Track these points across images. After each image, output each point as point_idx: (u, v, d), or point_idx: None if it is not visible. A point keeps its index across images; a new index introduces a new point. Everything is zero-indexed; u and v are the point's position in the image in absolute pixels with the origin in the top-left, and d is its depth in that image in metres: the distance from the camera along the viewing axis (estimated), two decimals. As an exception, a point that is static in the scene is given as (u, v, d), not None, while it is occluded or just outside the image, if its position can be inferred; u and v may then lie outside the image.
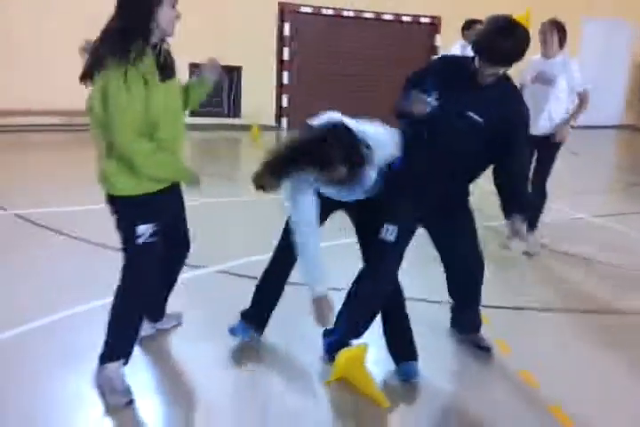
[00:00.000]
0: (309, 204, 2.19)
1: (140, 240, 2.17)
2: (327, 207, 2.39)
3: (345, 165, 2.03)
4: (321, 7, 9.45)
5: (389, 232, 2.37)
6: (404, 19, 10.10)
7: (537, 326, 3.18)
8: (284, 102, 9.72)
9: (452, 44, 5.63)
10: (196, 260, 3.06)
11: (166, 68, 2.09)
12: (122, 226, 2.21)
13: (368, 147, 2.10)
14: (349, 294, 2.52)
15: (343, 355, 2.39)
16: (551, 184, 4.27)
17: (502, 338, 2.86)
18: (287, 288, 2.68)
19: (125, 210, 2.19)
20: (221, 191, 5.37)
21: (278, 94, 9.72)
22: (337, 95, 9.89)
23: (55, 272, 3.42)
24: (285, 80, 9.61)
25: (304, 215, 2.20)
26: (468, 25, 5.35)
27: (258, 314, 2.69)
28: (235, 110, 9.48)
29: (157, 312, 2.68)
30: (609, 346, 2.94)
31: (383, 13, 9.91)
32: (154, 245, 2.21)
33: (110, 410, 2.19)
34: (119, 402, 2.20)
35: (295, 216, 2.22)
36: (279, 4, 9.25)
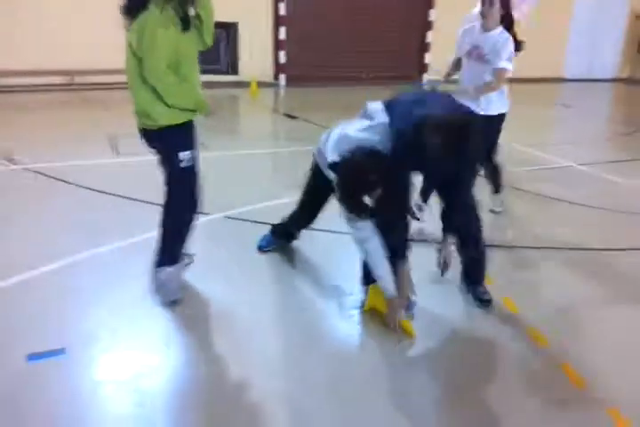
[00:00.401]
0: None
1: (183, 164, 2.57)
2: None
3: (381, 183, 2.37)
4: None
5: None
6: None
7: (524, 263, 3.40)
8: (282, 59, 9.68)
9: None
10: (204, 208, 3.25)
11: (186, 21, 2.40)
12: (165, 154, 2.60)
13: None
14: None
15: (372, 288, 2.69)
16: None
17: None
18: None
19: (167, 139, 2.55)
20: (223, 145, 5.57)
21: (275, 50, 9.68)
22: (334, 51, 9.88)
23: (68, 221, 3.63)
24: (282, 36, 9.54)
25: (361, 234, 2.54)
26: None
27: (288, 230, 3.21)
28: (232, 67, 9.44)
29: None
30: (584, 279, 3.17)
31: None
32: (193, 167, 2.62)
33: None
34: (166, 299, 2.69)
35: (356, 235, 2.57)
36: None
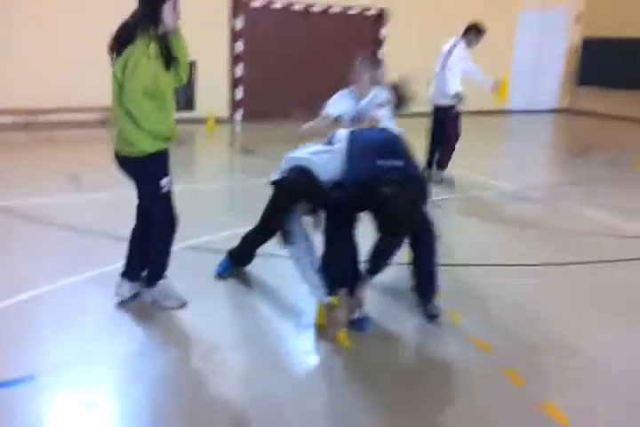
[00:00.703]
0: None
1: (164, 190, 2.89)
2: None
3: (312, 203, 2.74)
4: (271, 1, 9.70)
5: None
6: (351, 11, 10.43)
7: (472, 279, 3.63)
8: (239, 95, 9.95)
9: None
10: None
11: (168, 58, 2.77)
12: (147, 181, 2.88)
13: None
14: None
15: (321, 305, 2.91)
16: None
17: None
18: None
19: (149, 166, 2.83)
20: (181, 179, 5.67)
21: (232, 87, 9.95)
22: (289, 86, 10.20)
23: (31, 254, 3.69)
24: (239, 73, 9.84)
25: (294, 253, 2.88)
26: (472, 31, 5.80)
27: (243, 253, 3.44)
28: (189, 104, 9.64)
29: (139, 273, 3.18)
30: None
31: (331, 6, 10.23)
32: (171, 192, 2.97)
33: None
34: (176, 304, 3.07)
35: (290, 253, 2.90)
36: (230, -2, 9.47)
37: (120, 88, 2.69)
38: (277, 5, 9.76)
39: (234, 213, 5.00)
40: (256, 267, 3.57)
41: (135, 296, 3.12)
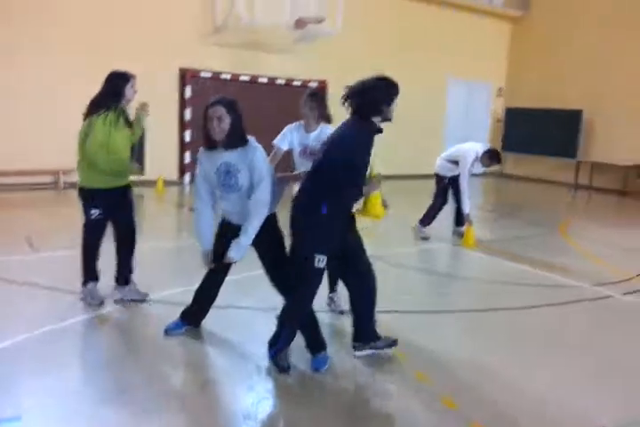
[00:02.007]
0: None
1: (92, 217, 3.95)
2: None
3: None
4: (220, 72, 10.29)
5: (321, 261, 3.08)
6: (295, 83, 11.17)
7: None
8: (187, 159, 10.29)
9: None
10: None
11: (126, 122, 3.91)
12: (83, 207, 3.96)
13: None
14: (285, 313, 3.24)
15: None
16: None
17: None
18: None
19: (88, 197, 3.94)
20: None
21: (181, 152, 10.30)
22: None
23: None
24: (187, 138, 10.23)
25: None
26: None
27: (195, 312, 3.63)
28: (137, 167, 9.85)
29: (123, 278, 4.20)
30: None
31: (276, 78, 10.93)
32: (99, 221, 3.97)
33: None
34: (94, 303, 4.01)
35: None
36: (180, 69, 9.98)
37: (83, 142, 3.76)
38: (225, 76, 10.36)
39: (181, 270, 5.17)
40: (208, 319, 3.75)
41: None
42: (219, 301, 3.67)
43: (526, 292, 5.02)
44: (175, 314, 3.70)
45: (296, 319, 3.24)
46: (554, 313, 4.49)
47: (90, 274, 4.08)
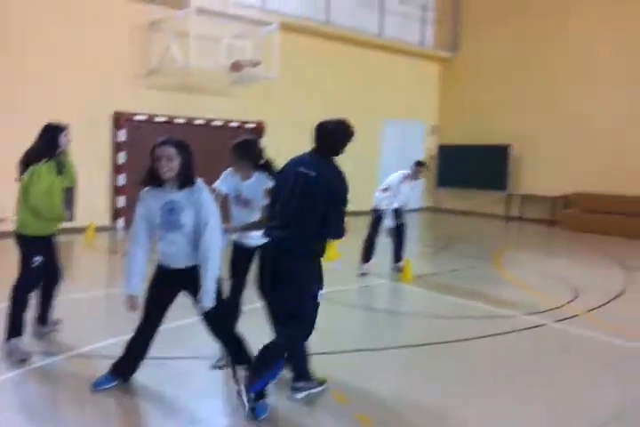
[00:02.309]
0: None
1: (34, 265, 3.97)
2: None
3: None
4: (155, 115, 10.24)
5: (321, 296, 3.29)
6: (232, 124, 11.24)
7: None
8: (120, 203, 10.06)
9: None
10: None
11: (60, 169, 4.06)
12: (24, 254, 3.98)
13: None
14: (276, 352, 3.23)
15: None
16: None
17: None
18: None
19: (29, 245, 3.99)
20: (62, 290, 5.58)
21: (114, 196, 10.07)
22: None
23: None
24: (121, 182, 10.03)
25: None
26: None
27: (126, 365, 3.45)
28: (70, 214, 9.54)
29: (44, 319, 4.36)
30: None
31: (213, 120, 10.98)
32: (40, 268, 4.01)
33: None
34: (19, 359, 3.81)
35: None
36: (115, 112, 9.87)
37: (25, 190, 3.89)
38: (160, 119, 10.32)
39: (114, 320, 4.97)
40: (141, 372, 3.59)
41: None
42: (151, 351, 3.53)
43: (463, 325, 5.09)
44: (104, 367, 3.52)
45: (284, 358, 3.27)
46: (490, 344, 4.56)
47: (17, 329, 3.94)
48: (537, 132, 12.94)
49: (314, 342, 3.45)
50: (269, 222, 3.39)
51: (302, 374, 3.43)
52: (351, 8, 12.89)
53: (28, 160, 3.98)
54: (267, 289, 3.37)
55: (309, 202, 3.21)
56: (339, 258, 5.26)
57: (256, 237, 3.71)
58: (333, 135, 3.43)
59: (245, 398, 3.05)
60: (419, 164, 7.06)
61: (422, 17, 14.38)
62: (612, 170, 11.63)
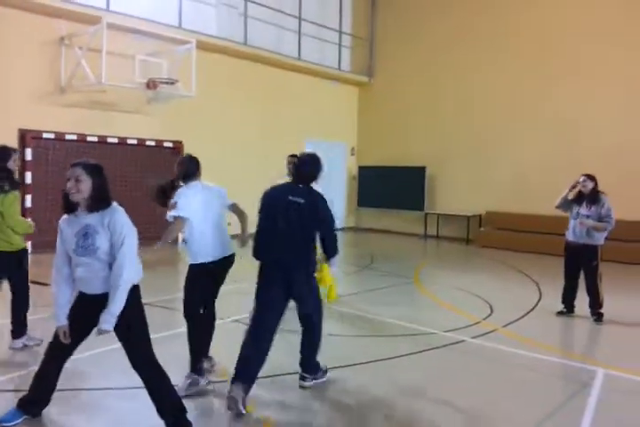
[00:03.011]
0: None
1: (27, 271, 4.68)
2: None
3: None
4: (65, 133, 9.74)
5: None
6: (148, 143, 10.91)
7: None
8: (28, 225, 9.42)
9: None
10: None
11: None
12: (18, 267, 4.58)
13: None
14: (313, 349, 4.09)
15: None
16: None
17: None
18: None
19: (19, 258, 4.57)
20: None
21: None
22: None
23: None
24: (28, 203, 9.42)
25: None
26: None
27: (35, 399, 3.22)
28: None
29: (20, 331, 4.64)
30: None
31: (127, 138, 10.60)
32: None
33: None
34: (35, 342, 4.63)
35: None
36: (19, 130, 9.29)
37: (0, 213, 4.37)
38: (71, 137, 9.83)
39: (20, 352, 4.59)
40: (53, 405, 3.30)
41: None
42: (61, 383, 3.25)
43: (385, 343, 5.11)
44: (10, 403, 3.21)
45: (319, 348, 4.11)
46: (412, 362, 4.59)
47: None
48: (450, 154, 13.49)
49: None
50: (260, 245, 3.85)
51: (315, 366, 4.07)
52: (269, 30, 13.01)
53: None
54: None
55: (304, 226, 3.79)
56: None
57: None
58: (310, 165, 3.95)
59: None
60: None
61: (339, 42, 14.74)
62: (519, 191, 12.30)
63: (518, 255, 10.93)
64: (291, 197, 3.80)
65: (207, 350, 4.06)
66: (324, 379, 4.09)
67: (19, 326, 4.64)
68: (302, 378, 4.03)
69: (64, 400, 3.45)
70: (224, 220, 4.19)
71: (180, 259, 10.22)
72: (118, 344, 3.16)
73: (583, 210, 6.07)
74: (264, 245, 3.82)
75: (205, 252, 3.94)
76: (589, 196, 6.09)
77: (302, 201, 3.77)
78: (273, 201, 3.87)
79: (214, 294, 4.14)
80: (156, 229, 11.23)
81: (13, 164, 4.48)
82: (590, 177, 6.15)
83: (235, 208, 4.30)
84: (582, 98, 11.54)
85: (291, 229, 3.76)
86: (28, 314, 4.71)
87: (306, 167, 3.92)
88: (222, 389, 3.73)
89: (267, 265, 3.86)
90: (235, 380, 3.50)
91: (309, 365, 4.05)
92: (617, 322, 6.02)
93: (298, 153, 4.32)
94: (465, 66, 13.22)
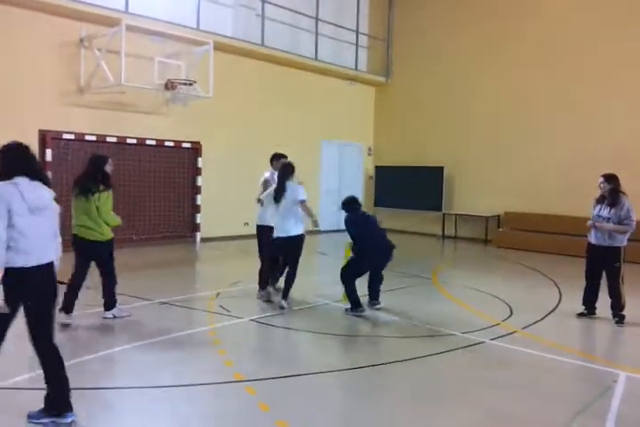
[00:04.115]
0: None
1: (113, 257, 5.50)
2: None
3: None
4: (84, 134, 9.84)
5: None
6: (167, 144, 10.98)
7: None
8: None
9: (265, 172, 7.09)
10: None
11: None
12: (108, 254, 5.46)
13: None
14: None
15: None
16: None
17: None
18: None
19: (106, 246, 5.37)
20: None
21: (42, 218, 9.54)
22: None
23: None
24: (49, 203, 9.52)
25: None
26: (275, 158, 7.00)
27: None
28: None
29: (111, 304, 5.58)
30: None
31: (146, 139, 10.67)
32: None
33: None
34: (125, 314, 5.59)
35: None
36: (40, 131, 9.41)
37: (96, 209, 5.20)
38: (90, 137, 9.92)
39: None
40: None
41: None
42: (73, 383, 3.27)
43: (405, 345, 5.07)
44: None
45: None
46: (432, 364, 4.55)
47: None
48: (468, 154, 13.38)
49: (257, 368, 3.30)
50: None
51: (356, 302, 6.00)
52: (286, 31, 13.02)
53: (90, 187, 5.29)
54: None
55: None
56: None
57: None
58: (292, 170, 6.46)
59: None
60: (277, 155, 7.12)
61: (356, 42, 14.70)
62: (538, 191, 12.15)
63: (537, 256, 10.80)
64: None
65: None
66: None
67: (110, 299, 5.51)
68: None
69: (79, 399, 3.46)
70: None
71: (196, 258, 10.29)
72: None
73: (604, 212, 5.95)
74: None
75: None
76: (609, 197, 5.96)
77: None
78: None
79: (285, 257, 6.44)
80: (173, 227, 11.34)
81: (109, 167, 5.32)
82: (608, 177, 5.97)
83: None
84: (601, 98, 11.36)
85: None
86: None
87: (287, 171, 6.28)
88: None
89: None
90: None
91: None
92: (639, 324, 5.91)
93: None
94: (482, 66, 13.10)
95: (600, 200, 6.07)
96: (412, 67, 14.59)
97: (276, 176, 6.46)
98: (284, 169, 6.29)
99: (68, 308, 5.19)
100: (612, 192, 5.92)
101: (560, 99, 11.93)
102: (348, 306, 6.07)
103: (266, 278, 6.60)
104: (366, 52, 15.21)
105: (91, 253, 5.32)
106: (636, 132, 10.95)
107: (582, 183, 10.42)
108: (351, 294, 6.05)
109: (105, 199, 5.22)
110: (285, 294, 6.18)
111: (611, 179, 5.96)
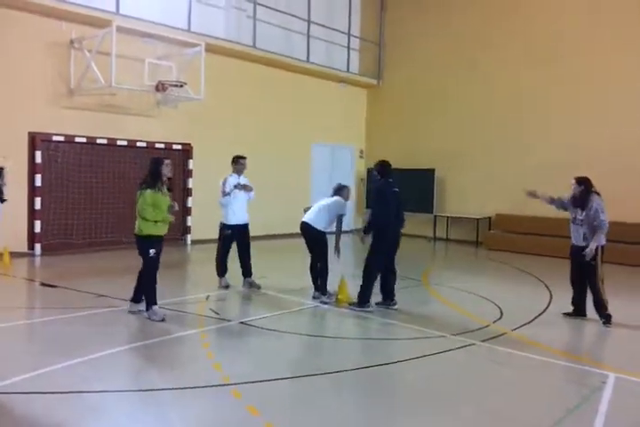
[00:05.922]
0: None
1: (151, 255, 5.60)
2: None
3: None
4: (74, 136, 9.79)
5: None
6: (158, 146, 10.93)
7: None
8: (37, 228, 9.48)
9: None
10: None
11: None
12: (143, 249, 5.63)
13: None
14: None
15: None
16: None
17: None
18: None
19: (146, 241, 5.62)
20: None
21: (30, 220, 9.48)
22: (92, 218, 10.06)
23: None
24: (38, 206, 9.47)
25: None
26: (235, 159, 7.54)
27: None
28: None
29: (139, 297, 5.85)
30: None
31: (137, 141, 10.63)
32: (156, 258, 5.65)
33: None
34: (159, 318, 5.55)
35: None
36: (29, 133, 9.35)
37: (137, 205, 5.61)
38: (80, 139, 9.87)
39: (37, 352, 4.59)
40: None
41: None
42: (62, 386, 3.24)
43: (396, 346, 5.07)
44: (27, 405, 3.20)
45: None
46: (423, 366, 4.54)
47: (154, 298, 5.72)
48: (459, 157, 13.42)
49: (247, 371, 3.28)
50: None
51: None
52: (277, 33, 13.02)
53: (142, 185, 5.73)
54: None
55: None
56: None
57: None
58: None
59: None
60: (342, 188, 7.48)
61: (348, 44, 14.72)
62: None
63: (529, 258, 10.84)
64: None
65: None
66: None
67: (138, 296, 5.81)
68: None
69: (70, 401, 3.42)
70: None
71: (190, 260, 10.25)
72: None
73: (578, 214, 6.04)
74: None
75: None
76: (579, 200, 6.03)
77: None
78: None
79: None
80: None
81: (166, 168, 5.64)
82: (579, 180, 6.07)
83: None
84: (593, 100, 11.44)
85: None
86: None
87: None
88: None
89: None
90: None
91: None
92: (626, 325, 5.94)
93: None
94: (473, 68, 13.16)
95: (573, 203, 6.13)
96: (403, 69, 14.63)
97: (239, 180, 7.29)
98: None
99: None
100: (581, 194, 6.00)
101: (550, 102, 11.99)
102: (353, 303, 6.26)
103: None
104: (358, 55, 15.24)
105: (137, 246, 5.68)
106: (628, 135, 11.02)
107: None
108: (367, 288, 6.20)
109: (147, 196, 5.52)
110: (323, 289, 6.65)
111: (582, 181, 6.05)
